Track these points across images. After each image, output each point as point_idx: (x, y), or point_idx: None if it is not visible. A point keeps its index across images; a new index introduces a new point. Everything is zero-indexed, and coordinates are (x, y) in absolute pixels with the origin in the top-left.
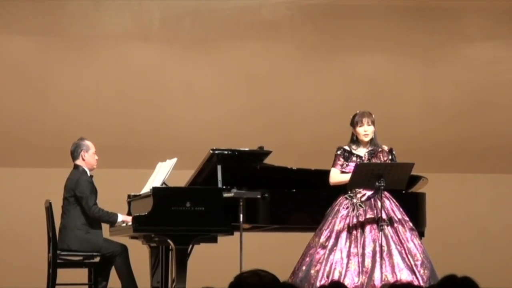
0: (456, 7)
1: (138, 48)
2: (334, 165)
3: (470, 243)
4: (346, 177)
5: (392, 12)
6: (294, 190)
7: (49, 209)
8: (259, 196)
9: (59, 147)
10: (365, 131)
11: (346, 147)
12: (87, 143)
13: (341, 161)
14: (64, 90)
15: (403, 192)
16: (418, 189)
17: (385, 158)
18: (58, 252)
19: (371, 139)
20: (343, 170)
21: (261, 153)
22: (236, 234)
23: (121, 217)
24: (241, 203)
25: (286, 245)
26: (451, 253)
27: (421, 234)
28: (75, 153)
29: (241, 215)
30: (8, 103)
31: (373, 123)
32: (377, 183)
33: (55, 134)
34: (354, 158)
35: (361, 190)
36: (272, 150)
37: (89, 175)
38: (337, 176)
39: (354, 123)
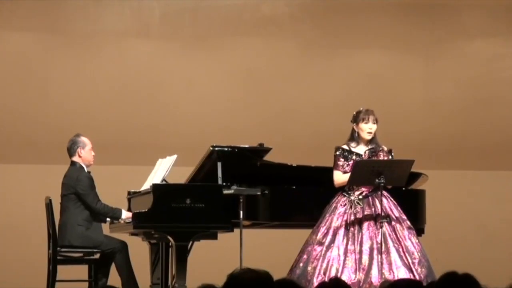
0: (456, 3)
1: (139, 45)
2: (335, 167)
3: (470, 240)
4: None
5: (391, 9)
6: (294, 187)
7: (49, 206)
8: (259, 193)
9: (59, 144)
10: (370, 128)
11: (345, 146)
12: (83, 139)
13: (341, 161)
14: (64, 87)
15: (403, 189)
16: (418, 186)
17: (385, 158)
18: (58, 248)
19: (372, 138)
20: (345, 170)
21: (261, 150)
22: (236, 231)
23: (125, 213)
24: (241, 200)
25: (286, 242)
26: (451, 250)
27: (421, 231)
28: (71, 150)
29: (241, 212)
30: (8, 100)
31: (377, 121)
32: (377, 180)
33: (55, 130)
34: (353, 157)
35: (359, 187)
36: (272, 147)
37: (86, 171)
38: (341, 177)
39: (358, 120)
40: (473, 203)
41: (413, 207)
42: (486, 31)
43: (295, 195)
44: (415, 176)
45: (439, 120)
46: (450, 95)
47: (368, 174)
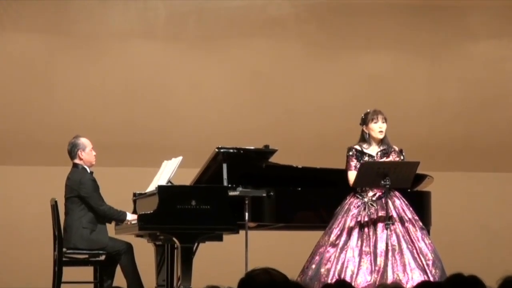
0: (461, 5)
1: (144, 46)
2: (349, 167)
3: (475, 241)
4: None
5: (397, 10)
6: (299, 189)
7: (54, 207)
8: (264, 195)
9: (64, 145)
10: (380, 127)
11: (357, 147)
12: (83, 141)
13: (354, 161)
14: (69, 88)
15: (409, 190)
16: (423, 187)
17: (397, 159)
18: (63, 250)
19: (383, 138)
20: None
21: (266, 152)
22: (242, 232)
23: (129, 216)
24: (246, 202)
25: (291, 243)
26: (456, 251)
27: None
28: (72, 153)
29: (247, 214)
30: (14, 101)
31: (386, 121)
32: (382, 182)
33: (60, 132)
34: (366, 158)
35: (373, 189)
36: (277, 149)
37: (89, 172)
38: None
39: (367, 120)
40: (478, 204)
41: (419, 209)
42: (492, 32)
43: (301, 197)
44: (421, 177)
45: (444, 122)
46: (455, 96)
47: (374, 176)
